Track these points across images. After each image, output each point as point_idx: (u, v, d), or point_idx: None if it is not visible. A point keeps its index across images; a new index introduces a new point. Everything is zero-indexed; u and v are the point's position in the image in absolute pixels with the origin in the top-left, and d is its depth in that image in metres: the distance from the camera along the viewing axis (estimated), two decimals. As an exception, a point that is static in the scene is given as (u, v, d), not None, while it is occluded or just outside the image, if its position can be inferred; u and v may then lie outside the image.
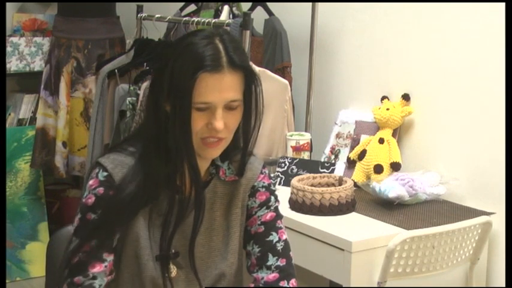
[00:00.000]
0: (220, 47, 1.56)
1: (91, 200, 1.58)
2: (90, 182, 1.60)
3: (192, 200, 1.63)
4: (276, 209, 1.75)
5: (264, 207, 1.73)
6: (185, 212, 1.62)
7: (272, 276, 1.68)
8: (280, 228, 1.74)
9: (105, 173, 1.59)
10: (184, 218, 1.62)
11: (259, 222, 1.72)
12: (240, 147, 1.70)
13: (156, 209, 1.62)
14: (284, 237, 1.73)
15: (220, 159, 1.70)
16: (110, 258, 1.60)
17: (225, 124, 1.57)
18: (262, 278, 1.69)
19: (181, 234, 1.64)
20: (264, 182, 1.75)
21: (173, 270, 1.64)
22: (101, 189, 1.58)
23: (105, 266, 1.59)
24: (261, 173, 1.76)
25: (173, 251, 1.63)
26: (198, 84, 1.53)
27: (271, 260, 1.69)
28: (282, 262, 1.70)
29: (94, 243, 1.57)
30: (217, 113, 1.56)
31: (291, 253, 1.73)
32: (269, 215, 1.73)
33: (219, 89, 1.55)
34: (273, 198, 1.75)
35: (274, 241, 1.71)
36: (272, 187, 1.77)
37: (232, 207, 1.71)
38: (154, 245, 1.62)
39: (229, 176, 1.71)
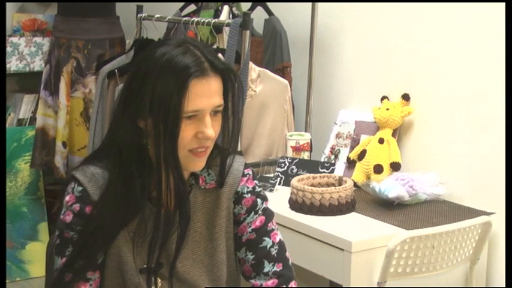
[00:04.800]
0: (198, 52, 1.54)
1: (68, 217, 1.57)
2: (67, 198, 1.59)
3: (177, 215, 1.60)
4: (265, 211, 1.70)
5: (252, 213, 1.68)
6: (172, 226, 1.60)
7: (271, 282, 1.66)
8: (272, 230, 1.70)
9: (80, 188, 1.58)
10: (171, 232, 1.60)
11: (250, 230, 1.68)
12: (219, 149, 1.66)
13: (135, 222, 1.59)
14: (278, 238, 1.69)
15: None
16: (95, 276, 1.59)
17: None
18: (261, 285, 1.66)
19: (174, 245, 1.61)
20: (248, 186, 1.70)
21: (158, 282, 1.62)
22: (77, 206, 1.57)
23: (90, 285, 1.58)
24: (244, 175, 1.70)
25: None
26: (189, 92, 1.50)
27: (268, 267, 1.66)
28: (278, 267, 1.67)
29: (78, 264, 1.56)
30: (206, 120, 1.53)
31: (287, 254, 1.70)
32: (259, 220, 1.68)
33: (208, 94, 1.53)
34: (259, 200, 1.70)
35: (268, 246, 1.67)
36: (257, 189, 1.71)
37: (215, 217, 1.67)
38: (138, 258, 1.60)
39: (210, 182, 1.67)
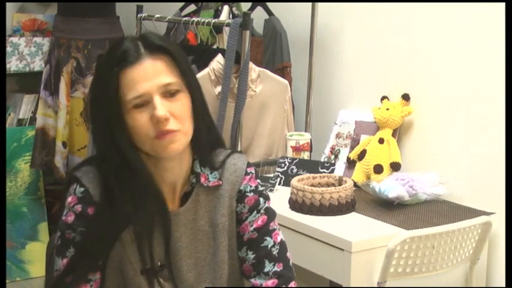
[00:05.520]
0: (131, 43, 1.54)
1: (70, 218, 1.57)
2: (69, 199, 1.58)
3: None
4: (267, 211, 1.69)
5: (255, 212, 1.67)
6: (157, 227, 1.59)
7: (271, 282, 1.65)
8: (274, 230, 1.69)
9: (82, 189, 1.57)
10: (154, 233, 1.58)
11: (251, 229, 1.67)
12: (217, 145, 1.67)
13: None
14: (279, 239, 1.69)
15: (199, 164, 1.65)
16: (95, 277, 1.58)
17: (170, 114, 1.51)
18: (261, 285, 1.65)
19: (164, 246, 1.61)
20: (250, 185, 1.68)
21: (160, 282, 1.61)
22: (79, 207, 1.56)
23: (91, 286, 1.58)
24: (246, 173, 1.69)
25: (159, 263, 1.61)
26: (123, 81, 1.50)
27: (268, 267, 1.66)
28: (279, 267, 1.66)
29: (79, 266, 1.56)
30: (154, 102, 1.50)
31: (287, 254, 1.70)
32: (261, 220, 1.67)
33: (147, 77, 1.50)
34: (261, 200, 1.69)
35: (270, 246, 1.67)
36: (259, 188, 1.70)
37: (217, 215, 1.66)
38: (139, 259, 1.59)
39: (213, 181, 1.65)
